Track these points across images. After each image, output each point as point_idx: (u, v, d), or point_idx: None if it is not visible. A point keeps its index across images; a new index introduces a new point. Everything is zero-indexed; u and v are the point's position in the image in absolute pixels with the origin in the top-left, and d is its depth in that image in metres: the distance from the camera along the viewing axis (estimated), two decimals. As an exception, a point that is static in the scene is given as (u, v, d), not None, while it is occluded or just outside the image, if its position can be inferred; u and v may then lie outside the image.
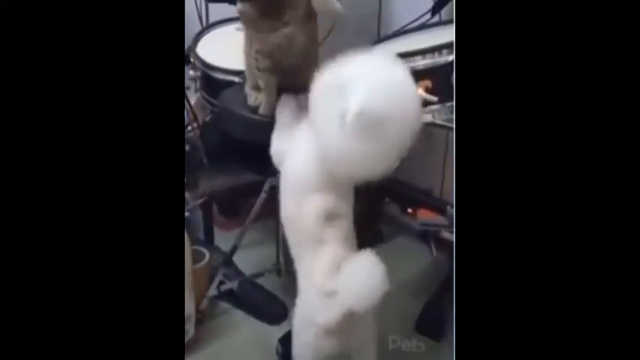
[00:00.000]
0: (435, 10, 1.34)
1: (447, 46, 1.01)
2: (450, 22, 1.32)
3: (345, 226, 0.93)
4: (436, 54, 1.02)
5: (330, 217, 0.91)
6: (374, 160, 0.85)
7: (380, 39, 1.36)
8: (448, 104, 1.02)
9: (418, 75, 1.04)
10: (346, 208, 0.95)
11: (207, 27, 1.61)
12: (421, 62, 1.04)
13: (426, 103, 1.04)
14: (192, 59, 1.46)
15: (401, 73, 0.85)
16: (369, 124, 0.80)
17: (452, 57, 1.01)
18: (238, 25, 1.45)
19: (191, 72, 1.46)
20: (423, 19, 1.37)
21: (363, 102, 0.80)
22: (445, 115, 1.04)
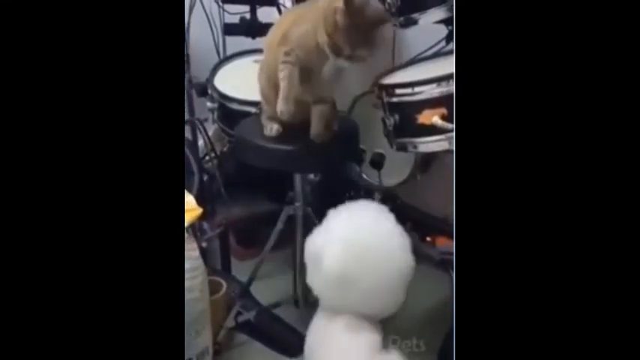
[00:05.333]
0: (450, 38, 1.34)
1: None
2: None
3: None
4: (451, 81, 1.02)
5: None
6: (368, 302, 0.99)
7: (395, 67, 1.37)
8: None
9: (433, 103, 1.05)
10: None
11: (225, 59, 1.64)
12: (436, 90, 1.05)
13: (442, 131, 1.04)
14: (209, 91, 1.48)
15: (373, 237, 1.00)
16: (338, 284, 0.97)
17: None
18: (255, 57, 1.48)
19: (209, 103, 1.49)
20: (438, 47, 1.38)
21: (331, 269, 0.97)
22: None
